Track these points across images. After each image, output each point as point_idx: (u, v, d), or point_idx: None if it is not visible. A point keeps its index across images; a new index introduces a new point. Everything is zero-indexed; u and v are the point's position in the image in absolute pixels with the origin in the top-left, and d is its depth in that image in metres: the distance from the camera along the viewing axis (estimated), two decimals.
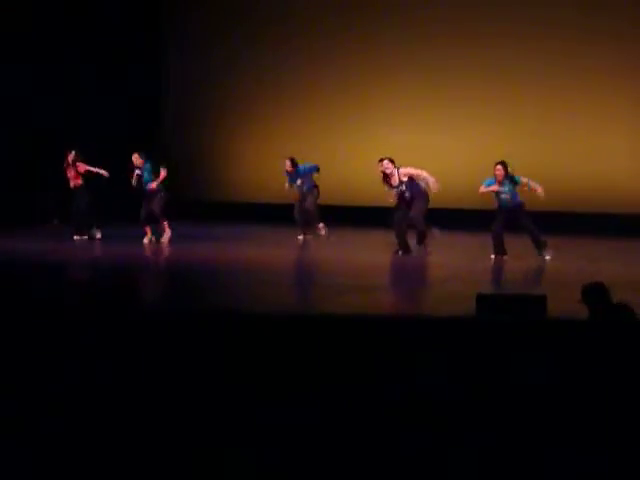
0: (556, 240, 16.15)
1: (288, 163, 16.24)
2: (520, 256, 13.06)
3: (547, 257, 13.08)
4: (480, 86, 18.88)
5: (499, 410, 5.38)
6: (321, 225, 15.95)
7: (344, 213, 18.05)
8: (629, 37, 18.05)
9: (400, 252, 13.44)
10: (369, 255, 13.71)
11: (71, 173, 15.67)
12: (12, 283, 9.95)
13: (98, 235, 15.45)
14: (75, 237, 15.39)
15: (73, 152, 15.67)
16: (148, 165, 15.07)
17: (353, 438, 5.12)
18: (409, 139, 18.92)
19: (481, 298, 7.51)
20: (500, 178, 13.29)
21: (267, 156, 20.04)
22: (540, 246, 13.20)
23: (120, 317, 6.35)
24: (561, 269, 12.14)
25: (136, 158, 15.08)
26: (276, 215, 17.72)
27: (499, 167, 13.37)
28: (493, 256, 13.10)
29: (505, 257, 13.04)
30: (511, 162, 13.59)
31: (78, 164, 15.61)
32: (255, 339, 6.21)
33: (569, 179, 18.31)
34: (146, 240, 14.85)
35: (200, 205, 19.83)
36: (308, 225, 16.06)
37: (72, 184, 15.66)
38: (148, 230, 14.94)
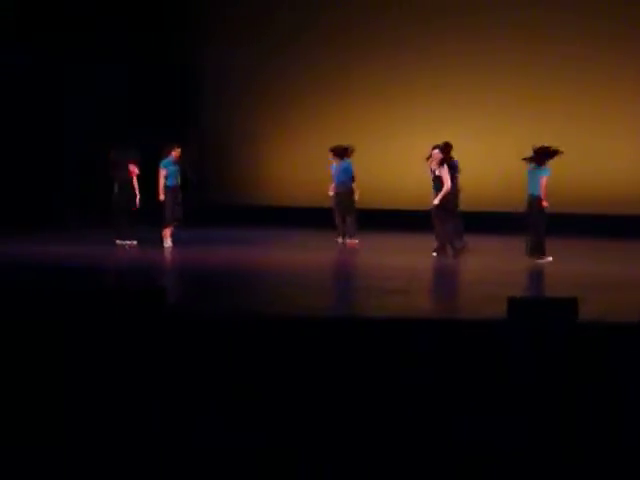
0: (583, 242, 16.18)
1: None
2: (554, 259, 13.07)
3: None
4: (509, 89, 18.94)
5: (530, 410, 5.43)
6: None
7: (377, 216, 18.15)
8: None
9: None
10: (403, 258, 13.78)
11: (123, 170, 15.42)
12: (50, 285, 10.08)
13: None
14: (118, 242, 15.22)
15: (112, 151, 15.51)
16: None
17: (397, 432, 5.20)
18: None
19: (512, 301, 7.54)
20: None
21: (298, 160, 20.14)
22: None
23: (151, 319, 6.46)
24: (590, 271, 12.16)
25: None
26: (309, 218, 17.83)
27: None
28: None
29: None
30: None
31: (131, 164, 15.46)
32: (291, 342, 6.29)
33: (593, 180, 18.32)
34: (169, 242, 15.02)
35: (232, 209, 19.95)
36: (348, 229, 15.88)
37: (121, 181, 15.45)
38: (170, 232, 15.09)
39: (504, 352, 6.07)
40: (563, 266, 12.70)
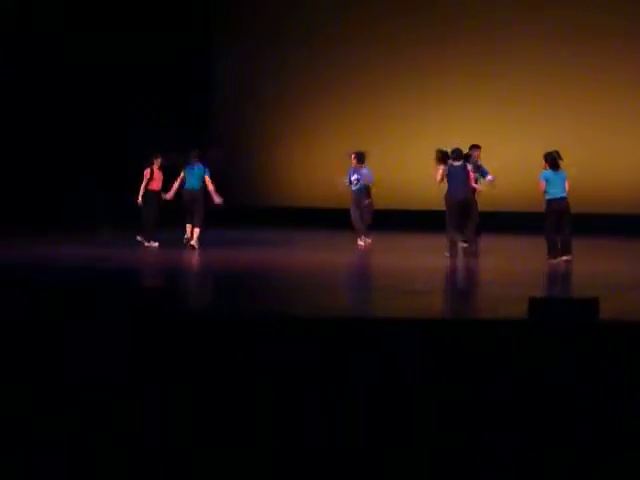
0: (602, 242, 16.14)
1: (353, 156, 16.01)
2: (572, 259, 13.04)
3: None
4: (525, 89, 18.96)
5: (549, 411, 5.42)
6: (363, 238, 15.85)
7: (394, 217, 18.16)
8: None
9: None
10: (419, 259, 13.77)
11: (156, 178, 15.58)
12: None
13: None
14: (147, 244, 15.39)
15: (159, 157, 15.63)
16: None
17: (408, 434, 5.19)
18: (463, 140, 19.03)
19: (533, 301, 7.52)
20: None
21: (314, 161, 20.16)
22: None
23: (170, 320, 6.47)
24: (612, 271, 12.12)
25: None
26: (325, 219, 17.84)
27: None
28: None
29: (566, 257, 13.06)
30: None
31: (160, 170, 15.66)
32: (306, 342, 6.29)
33: (603, 180, 18.30)
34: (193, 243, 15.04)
35: (248, 210, 19.99)
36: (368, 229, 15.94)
37: (154, 188, 15.56)
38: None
39: (525, 352, 6.05)
40: (582, 266, 12.67)
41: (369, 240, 15.80)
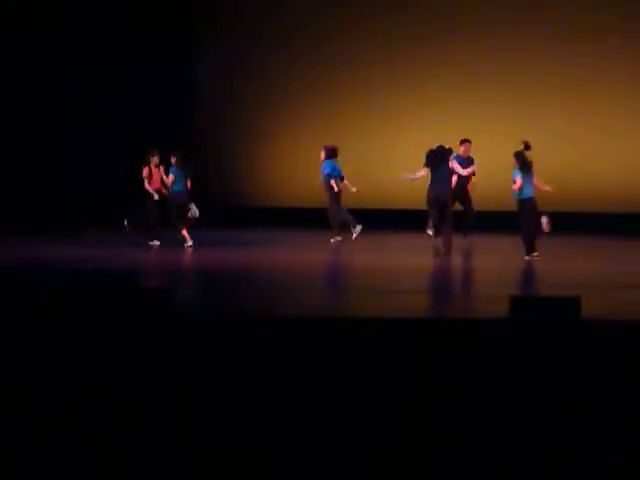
0: (584, 241, 16.19)
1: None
2: (553, 258, 13.08)
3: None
4: (500, 87, 19.04)
5: (538, 410, 5.43)
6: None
7: (376, 216, 18.16)
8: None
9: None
10: (403, 258, 13.79)
11: (155, 176, 15.56)
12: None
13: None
14: (150, 243, 15.43)
15: (156, 154, 15.61)
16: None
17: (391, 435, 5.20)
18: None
19: (515, 300, 7.54)
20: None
21: (298, 161, 20.16)
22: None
23: (164, 321, 6.46)
24: (592, 270, 12.16)
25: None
26: (308, 219, 17.83)
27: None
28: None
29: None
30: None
31: (160, 168, 15.66)
32: (295, 343, 6.29)
33: (594, 179, 18.36)
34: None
35: (231, 210, 19.97)
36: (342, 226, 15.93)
37: (154, 187, 15.55)
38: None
39: (507, 351, 6.07)
40: (564, 265, 12.71)
41: (339, 238, 15.91)
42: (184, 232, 15.07)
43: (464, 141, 15.17)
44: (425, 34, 19.57)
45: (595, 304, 7.96)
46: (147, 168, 15.40)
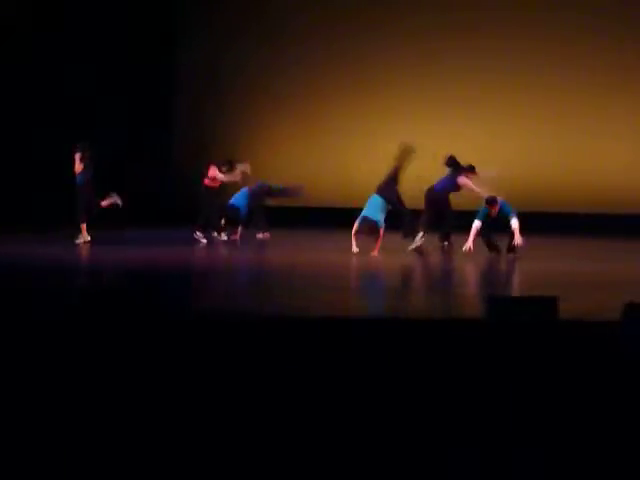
0: (562, 241, 16.24)
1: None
2: (530, 258, 13.10)
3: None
4: (486, 87, 19.06)
5: (510, 412, 5.40)
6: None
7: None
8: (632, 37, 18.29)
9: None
10: (386, 259, 13.77)
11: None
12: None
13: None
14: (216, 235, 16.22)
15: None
16: None
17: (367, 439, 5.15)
18: (429, 144, 19.17)
19: (491, 300, 7.49)
20: None
21: (281, 159, 20.12)
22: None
23: (156, 321, 6.41)
24: (570, 270, 12.17)
25: None
26: (292, 218, 17.81)
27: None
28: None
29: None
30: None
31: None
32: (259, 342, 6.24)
33: (576, 179, 18.42)
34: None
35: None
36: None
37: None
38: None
39: (484, 351, 6.04)
40: (542, 265, 12.72)
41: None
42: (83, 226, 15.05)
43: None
44: (417, 31, 19.59)
45: (573, 304, 7.93)
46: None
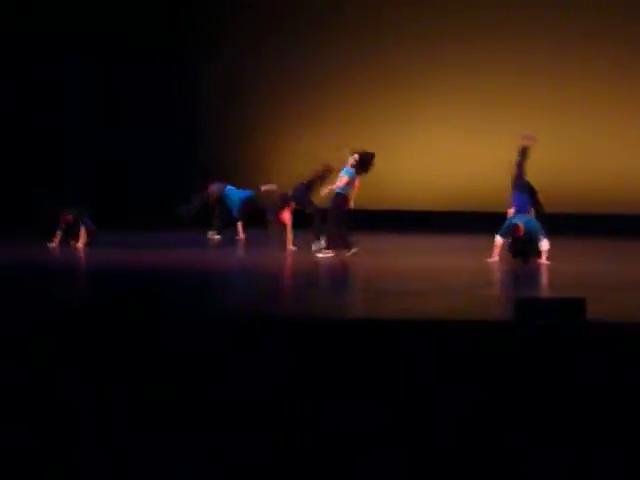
0: (587, 242, 16.18)
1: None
2: (555, 259, 13.08)
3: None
4: (500, 88, 19.07)
5: (544, 412, 5.44)
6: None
7: (377, 216, 18.24)
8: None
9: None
10: (404, 260, 13.82)
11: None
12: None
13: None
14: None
15: None
16: None
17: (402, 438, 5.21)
18: (447, 144, 19.20)
19: (520, 302, 7.56)
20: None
21: (303, 162, 20.16)
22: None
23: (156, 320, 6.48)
24: (594, 272, 12.17)
25: None
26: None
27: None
28: None
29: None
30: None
31: None
32: (299, 344, 6.31)
33: (590, 180, 18.41)
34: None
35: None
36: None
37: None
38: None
39: (512, 353, 6.08)
40: (567, 267, 12.71)
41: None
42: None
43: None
44: (429, 35, 19.56)
45: (600, 306, 7.96)
46: None
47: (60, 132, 19.18)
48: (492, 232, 13.99)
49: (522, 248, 13.06)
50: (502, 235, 13.06)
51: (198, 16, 21.18)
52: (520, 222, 12.98)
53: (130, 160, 19.49)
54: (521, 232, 12.92)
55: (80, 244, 14.69)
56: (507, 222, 13.13)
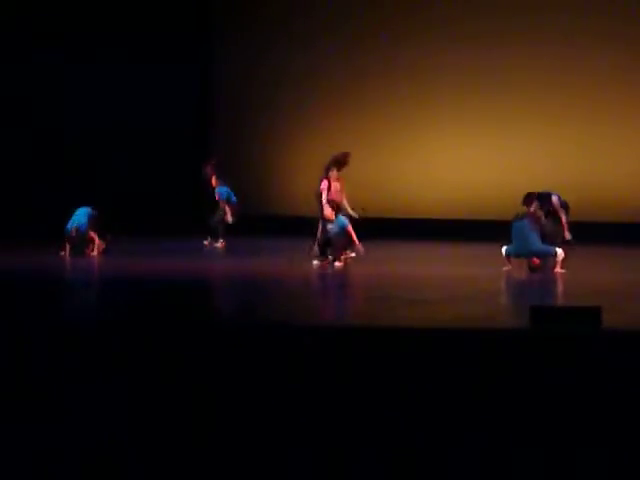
0: (602, 250, 16.12)
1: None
2: (570, 267, 13.05)
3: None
4: (518, 94, 19.05)
5: (559, 418, 5.43)
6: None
7: (386, 225, 18.24)
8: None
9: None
10: (418, 268, 13.81)
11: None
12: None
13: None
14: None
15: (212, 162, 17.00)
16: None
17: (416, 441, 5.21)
18: (455, 152, 19.21)
19: (535, 310, 7.54)
20: None
21: (311, 169, 20.22)
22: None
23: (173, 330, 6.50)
24: (609, 280, 12.13)
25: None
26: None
27: None
28: None
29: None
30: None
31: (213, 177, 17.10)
32: (311, 351, 6.31)
33: (608, 188, 18.36)
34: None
35: (250, 219, 19.87)
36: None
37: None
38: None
39: (529, 361, 6.07)
40: (583, 275, 12.67)
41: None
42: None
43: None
44: (439, 41, 19.54)
45: (616, 315, 7.94)
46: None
47: (60, 133, 19.23)
48: (493, 240, 13.98)
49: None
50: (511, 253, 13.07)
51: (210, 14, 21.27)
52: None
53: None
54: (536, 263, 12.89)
55: (95, 252, 14.69)
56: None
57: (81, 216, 14.77)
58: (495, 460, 5.12)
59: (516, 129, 18.93)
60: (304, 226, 17.33)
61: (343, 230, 13.58)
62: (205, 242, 17.05)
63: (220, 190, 17.18)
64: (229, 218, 16.94)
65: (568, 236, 13.63)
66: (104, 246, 14.77)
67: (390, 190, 19.42)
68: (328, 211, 13.67)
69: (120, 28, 19.50)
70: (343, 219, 13.65)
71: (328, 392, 5.70)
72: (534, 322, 7.13)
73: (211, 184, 17.28)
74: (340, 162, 13.91)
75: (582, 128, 18.68)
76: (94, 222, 14.75)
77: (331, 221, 13.63)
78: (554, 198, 13.73)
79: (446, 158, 19.37)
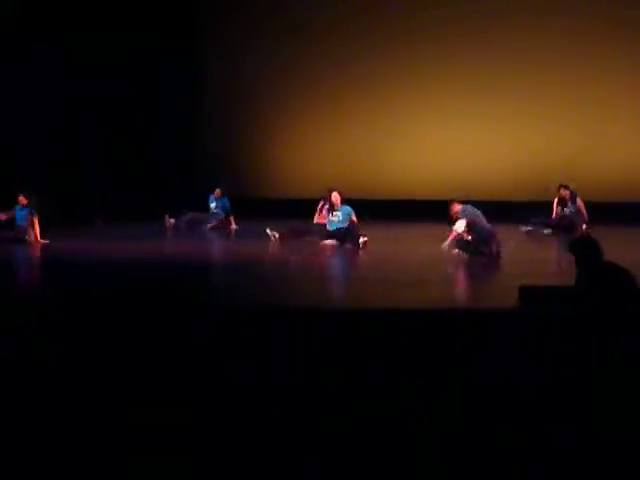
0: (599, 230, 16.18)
1: None
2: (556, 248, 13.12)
3: None
4: (508, 80, 19.12)
5: (549, 399, 5.48)
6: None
7: (384, 207, 18.31)
8: None
9: None
10: (409, 249, 13.86)
11: None
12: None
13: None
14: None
15: None
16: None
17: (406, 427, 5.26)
18: (444, 134, 19.26)
19: (524, 290, 7.61)
20: None
21: (302, 152, 20.25)
22: None
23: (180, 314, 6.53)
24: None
25: None
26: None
27: None
28: None
29: None
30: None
31: None
32: (306, 334, 6.37)
33: (610, 168, 18.46)
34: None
35: (240, 202, 19.91)
36: None
37: None
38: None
39: (516, 341, 6.13)
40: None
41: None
42: None
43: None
44: (438, 32, 19.62)
45: None
46: None
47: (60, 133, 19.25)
48: (498, 221, 14.04)
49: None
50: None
51: (202, 13, 21.26)
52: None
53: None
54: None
55: (33, 237, 14.39)
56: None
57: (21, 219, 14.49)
58: (485, 442, 5.15)
59: (502, 112, 19.01)
60: (293, 208, 17.49)
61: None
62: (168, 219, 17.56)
63: (224, 202, 17.76)
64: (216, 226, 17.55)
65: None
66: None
67: (377, 172, 19.51)
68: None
69: (109, 25, 19.46)
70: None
71: (316, 372, 5.74)
72: (523, 301, 7.20)
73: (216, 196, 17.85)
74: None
75: (567, 107, 18.78)
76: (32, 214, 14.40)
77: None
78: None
79: (432, 141, 19.48)
